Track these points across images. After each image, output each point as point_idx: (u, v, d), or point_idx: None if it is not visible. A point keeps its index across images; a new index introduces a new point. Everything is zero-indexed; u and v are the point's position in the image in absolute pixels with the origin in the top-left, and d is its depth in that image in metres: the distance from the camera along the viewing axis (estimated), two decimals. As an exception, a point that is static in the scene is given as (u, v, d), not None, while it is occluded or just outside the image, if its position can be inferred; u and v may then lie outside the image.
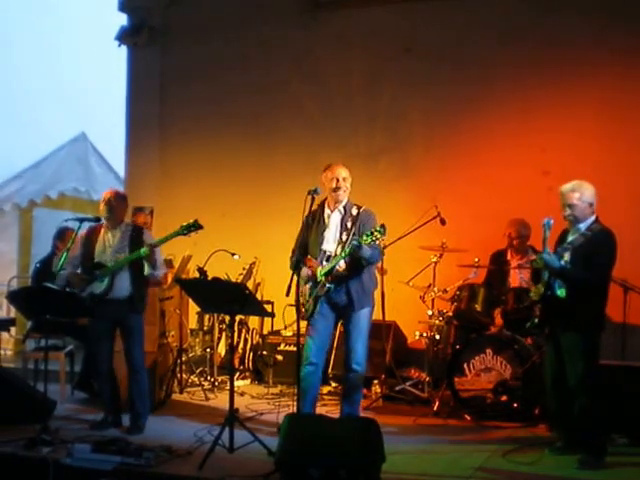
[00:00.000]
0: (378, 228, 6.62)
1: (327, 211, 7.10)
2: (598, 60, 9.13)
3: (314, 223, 7.10)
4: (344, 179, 7.03)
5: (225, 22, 10.76)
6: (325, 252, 6.97)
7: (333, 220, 7.05)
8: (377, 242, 6.73)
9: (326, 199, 7.14)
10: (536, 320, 6.54)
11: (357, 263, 6.91)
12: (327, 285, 6.88)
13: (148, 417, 7.37)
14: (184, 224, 7.11)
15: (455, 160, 9.66)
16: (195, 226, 7.08)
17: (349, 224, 6.98)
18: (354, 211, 7.04)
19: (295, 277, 6.80)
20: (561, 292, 6.35)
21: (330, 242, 7.00)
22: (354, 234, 6.91)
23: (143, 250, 7.06)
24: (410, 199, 9.56)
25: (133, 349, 7.25)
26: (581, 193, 6.38)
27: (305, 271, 6.98)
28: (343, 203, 7.07)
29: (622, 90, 9.06)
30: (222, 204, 10.58)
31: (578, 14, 9.24)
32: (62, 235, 8.82)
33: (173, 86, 11.10)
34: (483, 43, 9.60)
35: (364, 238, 6.61)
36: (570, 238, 6.42)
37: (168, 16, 11.15)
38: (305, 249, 7.13)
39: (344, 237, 6.93)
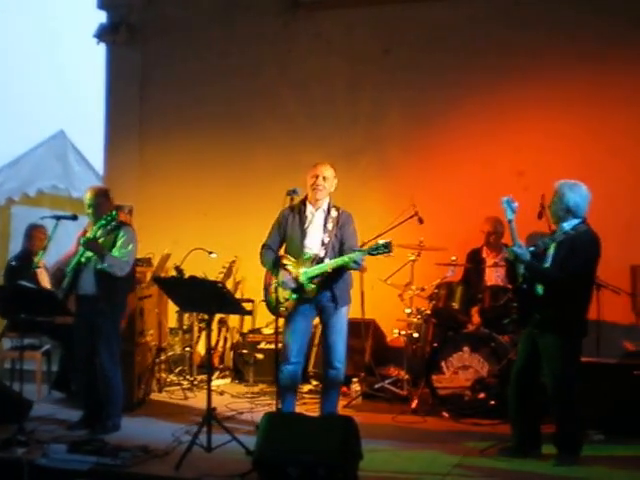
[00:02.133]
0: (384, 243, 6.69)
1: (310, 208, 7.07)
2: (572, 61, 9.19)
3: (294, 219, 7.08)
4: (324, 178, 7.02)
5: (204, 20, 10.74)
6: (308, 251, 6.95)
7: (317, 219, 7.04)
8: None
9: (307, 196, 7.14)
10: (514, 317, 6.55)
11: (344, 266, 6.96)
12: (312, 287, 6.89)
13: (122, 417, 7.32)
14: (105, 216, 7.07)
15: (433, 160, 9.71)
16: (112, 216, 7.02)
17: (330, 226, 6.98)
18: (334, 213, 7.05)
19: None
20: (540, 289, 6.35)
21: (313, 241, 6.99)
22: (335, 236, 6.95)
23: (82, 241, 7.00)
24: (388, 198, 9.59)
25: (100, 352, 7.14)
26: (562, 194, 6.36)
27: (283, 276, 6.93)
28: (326, 203, 7.08)
29: (597, 91, 9.13)
30: (202, 203, 10.57)
31: (551, 16, 9.29)
32: (32, 232, 8.75)
33: (152, 84, 11.07)
34: (460, 45, 9.63)
35: (370, 252, 6.70)
36: (555, 234, 6.43)
37: (147, 14, 11.10)
38: (280, 244, 7.14)
39: (326, 239, 6.95)
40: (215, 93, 10.60)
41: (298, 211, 7.09)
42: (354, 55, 10.09)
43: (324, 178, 7.02)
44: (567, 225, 6.37)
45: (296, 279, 6.90)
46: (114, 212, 7.04)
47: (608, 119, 9.12)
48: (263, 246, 7.20)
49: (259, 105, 10.42)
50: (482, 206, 8.88)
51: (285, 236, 7.13)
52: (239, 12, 10.54)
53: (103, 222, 7.03)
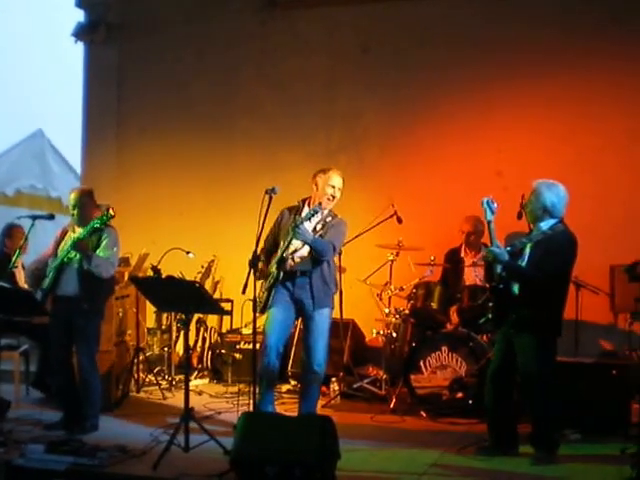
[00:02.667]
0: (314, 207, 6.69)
1: (306, 209, 7.07)
2: (554, 61, 9.22)
3: (289, 218, 7.09)
4: (339, 190, 7.07)
5: (183, 19, 10.73)
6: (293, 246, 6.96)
7: (313, 220, 7.00)
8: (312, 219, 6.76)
9: (309, 198, 7.15)
10: (490, 316, 6.56)
11: (328, 269, 6.99)
12: (276, 272, 6.90)
13: (100, 417, 7.28)
14: (98, 216, 7.01)
15: (412, 159, 9.73)
16: (107, 216, 6.95)
17: (319, 227, 6.98)
18: (329, 218, 7.05)
19: (252, 274, 6.83)
20: (516, 289, 6.37)
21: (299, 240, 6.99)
22: (321, 236, 6.96)
23: (71, 241, 6.96)
24: (367, 197, 9.59)
25: (80, 353, 7.13)
26: (539, 194, 6.38)
27: (261, 265, 6.98)
28: (328, 209, 7.08)
29: (577, 92, 9.17)
30: (180, 202, 10.56)
31: (532, 15, 9.32)
32: (8, 232, 8.70)
33: (130, 83, 11.05)
34: (439, 44, 9.66)
35: (301, 217, 6.71)
36: (532, 234, 6.44)
37: (125, 12, 11.08)
38: (275, 243, 7.14)
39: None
40: (193, 92, 10.60)
41: (296, 211, 7.11)
42: (333, 54, 10.11)
43: (339, 190, 7.07)
44: (544, 225, 6.38)
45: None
46: (110, 212, 7.00)
47: (587, 119, 9.17)
48: (261, 249, 7.19)
49: (238, 104, 10.42)
50: (461, 206, 8.91)
51: (279, 235, 7.13)
52: (217, 11, 10.53)
53: (98, 223, 6.98)
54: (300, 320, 7.28)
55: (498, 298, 6.49)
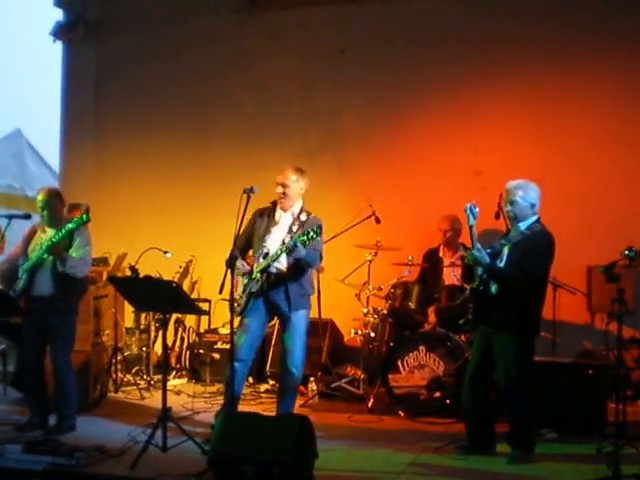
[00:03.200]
0: (314, 228, 6.62)
1: (279, 210, 7.06)
2: (533, 61, 9.29)
3: (262, 220, 7.09)
4: (284, 186, 6.99)
5: (161, 18, 10.71)
6: (265, 248, 6.94)
7: (284, 221, 7.03)
8: (310, 242, 6.69)
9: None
10: (469, 317, 6.59)
11: (297, 264, 6.93)
12: (261, 282, 6.89)
13: (78, 417, 7.25)
14: (74, 218, 6.93)
15: (390, 160, 9.76)
16: (83, 219, 6.83)
17: (295, 228, 6.97)
18: (303, 217, 7.04)
19: (229, 274, 6.81)
20: (494, 289, 6.39)
21: (275, 242, 6.97)
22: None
23: (45, 244, 6.90)
24: (346, 198, 9.63)
25: (56, 352, 7.09)
26: (524, 192, 6.41)
27: (240, 263, 6.94)
28: (297, 207, 7.07)
29: (557, 92, 9.21)
30: (159, 202, 10.55)
31: (512, 16, 9.37)
32: None
33: (109, 82, 11.02)
34: (417, 45, 9.70)
35: (300, 237, 6.63)
36: (510, 235, 6.48)
37: (104, 12, 11.06)
38: (247, 243, 7.14)
39: (287, 240, 6.92)
40: (171, 92, 10.59)
41: (268, 213, 7.10)
42: (311, 54, 10.12)
43: (284, 186, 6.99)
44: (522, 225, 6.42)
45: (251, 272, 6.93)
46: (85, 215, 6.95)
47: (567, 119, 9.22)
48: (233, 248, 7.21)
49: (216, 104, 10.42)
50: (440, 206, 8.96)
51: (252, 236, 7.12)
52: (195, 11, 10.52)
53: (74, 225, 6.94)
54: (277, 322, 7.25)
55: (478, 299, 6.50)
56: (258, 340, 7.24)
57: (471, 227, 6.35)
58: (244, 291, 6.95)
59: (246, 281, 6.97)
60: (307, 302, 7.14)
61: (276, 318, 7.32)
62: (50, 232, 7.10)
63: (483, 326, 6.54)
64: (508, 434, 6.51)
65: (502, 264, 6.41)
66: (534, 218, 6.46)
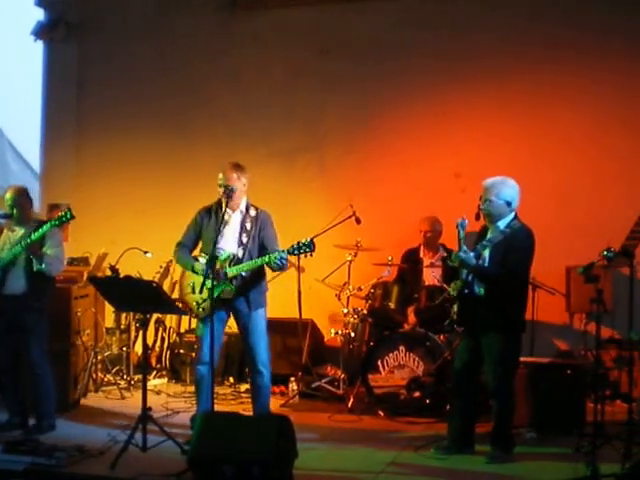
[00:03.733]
0: (306, 242, 6.65)
1: (227, 210, 6.96)
2: (508, 67, 9.34)
3: (210, 220, 7.04)
4: (227, 187, 6.89)
5: (143, 18, 10.69)
6: (224, 251, 6.90)
7: (234, 219, 7.00)
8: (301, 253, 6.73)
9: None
10: (455, 317, 6.60)
11: (261, 268, 6.95)
12: (231, 287, 6.87)
13: (57, 417, 7.26)
14: (57, 215, 6.92)
15: (371, 160, 9.76)
16: (67, 216, 6.84)
17: (248, 225, 6.97)
18: (252, 212, 7.04)
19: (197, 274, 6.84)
20: (480, 290, 6.41)
21: (229, 242, 6.95)
22: (254, 237, 6.95)
23: (21, 245, 6.87)
24: (326, 198, 9.64)
25: (30, 349, 7.05)
26: (498, 190, 6.43)
27: (201, 265, 6.91)
28: (243, 204, 7.05)
29: (534, 95, 9.26)
30: (139, 201, 10.52)
31: (487, 19, 9.43)
32: None
33: (90, 82, 10.97)
34: (398, 46, 9.69)
35: (291, 252, 6.66)
36: (489, 235, 6.48)
37: (85, 11, 11.00)
38: (195, 244, 7.14)
39: (244, 239, 6.93)
40: (153, 92, 10.56)
41: (215, 212, 7.05)
42: (292, 54, 10.10)
43: (227, 187, 6.91)
44: (502, 224, 6.44)
45: (219, 273, 6.85)
46: (68, 212, 6.92)
47: (544, 121, 9.26)
48: (178, 244, 7.19)
49: (197, 104, 10.40)
50: (419, 207, 8.99)
51: (201, 236, 7.11)
52: (177, 11, 10.50)
53: (57, 222, 6.92)
54: (236, 325, 7.19)
55: (464, 303, 6.50)
56: (220, 339, 7.23)
57: (460, 239, 6.38)
58: (209, 295, 6.74)
59: (207, 283, 6.76)
60: (265, 300, 7.12)
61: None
62: (19, 231, 7.09)
63: (470, 326, 6.57)
64: (491, 434, 6.55)
65: (485, 265, 6.43)
66: (512, 215, 6.47)
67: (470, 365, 6.60)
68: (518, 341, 6.55)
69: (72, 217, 6.88)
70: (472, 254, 6.34)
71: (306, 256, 6.76)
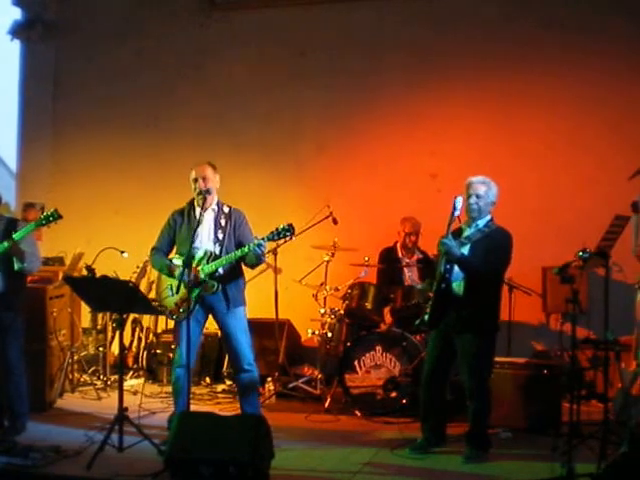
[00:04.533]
0: (285, 226, 6.57)
1: (198, 209, 6.94)
2: (485, 64, 9.38)
3: (183, 222, 7.00)
4: (205, 179, 6.87)
5: (121, 18, 10.67)
6: (200, 250, 6.87)
7: (207, 218, 6.95)
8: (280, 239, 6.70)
9: (194, 199, 7.03)
10: (426, 317, 6.59)
11: (238, 266, 6.93)
12: (213, 282, 6.81)
13: (34, 417, 7.21)
14: (44, 214, 6.88)
15: (348, 161, 9.80)
16: (54, 216, 6.79)
17: (223, 222, 6.93)
18: (225, 209, 7.00)
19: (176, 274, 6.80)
20: (458, 288, 6.41)
21: (205, 240, 6.92)
22: (230, 234, 6.91)
23: (4, 243, 6.80)
24: (303, 198, 9.66)
25: (8, 349, 6.97)
26: (488, 188, 6.48)
27: (180, 269, 6.82)
28: (215, 202, 7.01)
29: (511, 95, 9.32)
30: (116, 201, 10.50)
31: (464, 19, 9.47)
32: None
33: (67, 82, 10.94)
34: (376, 48, 9.75)
35: (270, 238, 6.59)
36: (467, 233, 6.50)
37: (63, 11, 10.98)
38: (170, 247, 7.11)
39: (220, 235, 6.89)
40: (130, 92, 10.56)
41: (187, 214, 7.01)
42: (270, 55, 10.13)
43: (205, 179, 6.88)
44: (481, 223, 6.49)
45: (196, 276, 6.80)
46: (55, 212, 6.87)
47: (522, 121, 9.31)
48: (153, 249, 7.15)
49: (174, 103, 10.41)
50: (396, 207, 9.01)
51: (175, 239, 7.07)
52: (154, 11, 10.50)
53: (44, 222, 6.87)
54: (217, 325, 7.14)
55: (439, 299, 6.46)
56: (197, 344, 7.18)
57: (453, 218, 6.37)
58: (189, 296, 6.71)
59: (186, 285, 6.71)
60: (244, 297, 7.07)
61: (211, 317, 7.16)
62: None
63: (442, 327, 6.54)
64: (467, 434, 6.56)
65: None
66: (489, 217, 6.52)
67: (440, 364, 6.61)
68: (493, 342, 6.56)
69: (59, 217, 6.84)
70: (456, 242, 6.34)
71: (286, 240, 6.70)
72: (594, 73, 9.08)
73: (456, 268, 6.39)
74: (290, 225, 6.61)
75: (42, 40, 10.95)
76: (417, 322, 6.70)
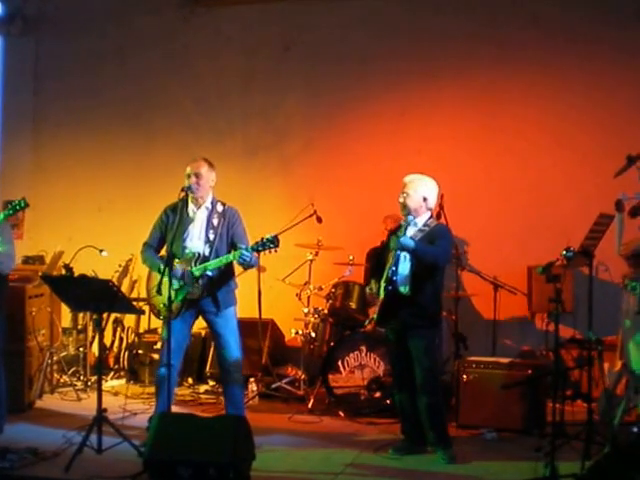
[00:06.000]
0: (270, 238, 6.51)
1: (191, 206, 6.91)
2: (470, 63, 9.32)
3: (175, 217, 6.87)
4: (197, 175, 6.81)
5: (102, 13, 10.54)
6: (189, 250, 6.80)
7: (199, 216, 6.89)
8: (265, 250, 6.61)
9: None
10: (375, 317, 6.59)
11: (229, 266, 6.85)
12: (197, 286, 6.74)
13: (12, 419, 7.13)
14: (11, 203, 6.74)
15: (332, 158, 9.73)
16: (21, 204, 6.66)
17: (215, 221, 6.85)
18: (219, 208, 6.92)
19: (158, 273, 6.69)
20: (404, 289, 6.43)
21: (195, 239, 6.84)
22: (222, 234, 6.83)
23: None
24: (287, 197, 9.60)
25: None
26: (417, 186, 6.56)
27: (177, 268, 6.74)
28: (209, 199, 6.94)
29: (498, 93, 9.29)
30: (98, 199, 10.40)
31: (455, 18, 9.40)
32: None
33: (48, 78, 10.82)
34: (361, 44, 9.68)
35: (255, 249, 6.54)
36: (409, 234, 6.51)
37: (43, 5, 10.85)
38: (161, 243, 7.01)
39: (211, 236, 6.81)
40: (111, 88, 10.44)
41: (180, 210, 6.86)
42: (254, 51, 10.03)
43: (197, 175, 6.82)
44: (419, 221, 6.55)
45: (190, 273, 6.73)
46: (23, 201, 6.77)
47: (510, 120, 9.26)
48: (144, 244, 7.07)
49: (157, 100, 10.31)
50: (381, 206, 8.92)
51: (166, 235, 6.94)
52: (137, 7, 10.38)
53: (11, 211, 6.77)
54: (206, 324, 7.10)
55: (388, 299, 6.47)
56: (184, 344, 7.06)
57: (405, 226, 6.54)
58: (177, 296, 6.69)
59: (176, 284, 6.68)
60: (234, 298, 7.01)
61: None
62: None
63: (393, 324, 6.55)
64: (434, 432, 6.51)
65: (406, 263, 6.44)
66: (428, 214, 6.61)
67: (401, 364, 6.60)
68: (439, 336, 6.74)
69: (26, 205, 6.73)
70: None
71: (270, 252, 6.65)
72: (580, 73, 9.05)
73: (401, 269, 6.43)
74: (275, 237, 6.55)
75: (22, 35, 10.82)
76: (366, 322, 6.81)
